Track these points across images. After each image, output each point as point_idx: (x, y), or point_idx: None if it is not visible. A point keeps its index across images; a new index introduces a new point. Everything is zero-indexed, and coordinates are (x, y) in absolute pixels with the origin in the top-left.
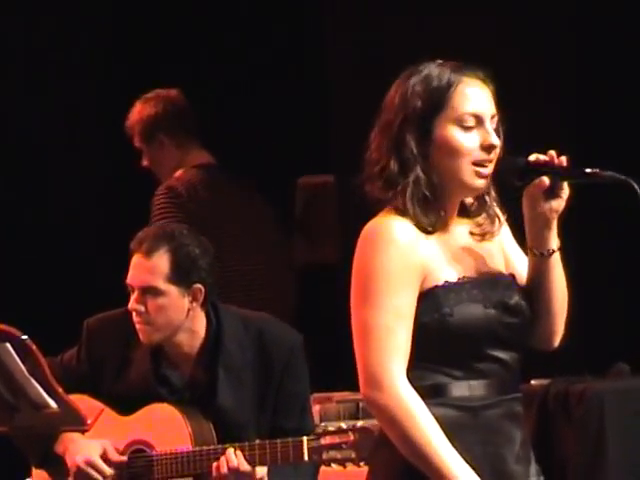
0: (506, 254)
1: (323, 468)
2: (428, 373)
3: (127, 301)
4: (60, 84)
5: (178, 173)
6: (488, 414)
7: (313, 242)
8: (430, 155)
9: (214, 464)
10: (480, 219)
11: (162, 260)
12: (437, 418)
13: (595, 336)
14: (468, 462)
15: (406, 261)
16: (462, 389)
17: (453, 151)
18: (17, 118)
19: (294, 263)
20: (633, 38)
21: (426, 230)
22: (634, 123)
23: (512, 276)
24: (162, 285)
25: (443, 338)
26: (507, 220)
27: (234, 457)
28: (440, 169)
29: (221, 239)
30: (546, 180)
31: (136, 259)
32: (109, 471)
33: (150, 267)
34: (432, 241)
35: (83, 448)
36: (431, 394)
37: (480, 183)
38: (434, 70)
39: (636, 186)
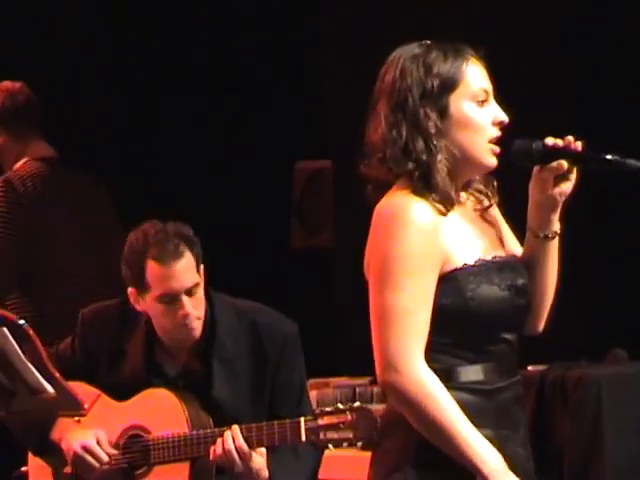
0: (502, 233)
1: (325, 456)
2: (442, 356)
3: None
4: None
5: (17, 166)
6: (500, 397)
7: (310, 227)
8: (448, 131)
9: (212, 446)
10: (478, 193)
11: (189, 255)
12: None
13: (592, 322)
14: None
15: (428, 244)
16: (476, 373)
17: (471, 126)
18: None
19: (291, 248)
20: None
21: (444, 209)
22: (633, 109)
23: (515, 256)
24: (198, 277)
25: (462, 321)
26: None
27: (230, 438)
28: (458, 146)
29: (56, 234)
30: (565, 164)
31: (169, 267)
32: (106, 457)
33: (186, 266)
34: (448, 221)
35: (79, 435)
36: (445, 378)
37: (493, 161)
38: (438, 50)
39: None
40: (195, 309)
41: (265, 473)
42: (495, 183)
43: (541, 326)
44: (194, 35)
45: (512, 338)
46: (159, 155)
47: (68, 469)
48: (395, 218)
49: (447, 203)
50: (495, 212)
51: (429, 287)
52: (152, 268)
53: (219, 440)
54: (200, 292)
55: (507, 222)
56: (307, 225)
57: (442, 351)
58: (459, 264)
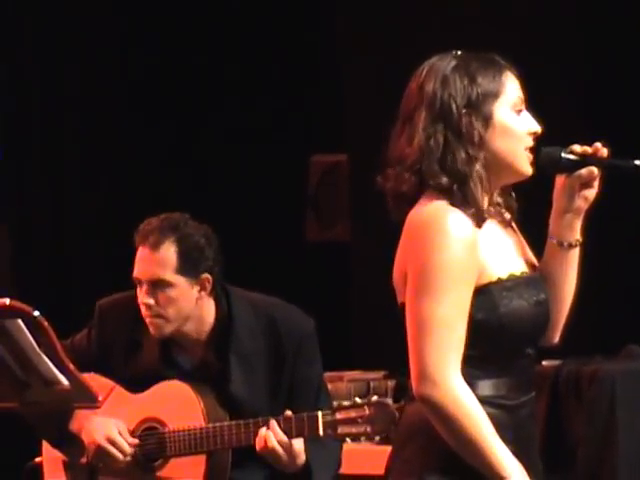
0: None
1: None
2: (466, 368)
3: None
4: None
5: None
6: (520, 413)
7: (325, 221)
8: (490, 139)
9: (258, 437)
10: (498, 206)
11: (169, 252)
12: None
13: (607, 317)
14: None
15: (467, 255)
16: (498, 387)
17: (512, 135)
18: None
19: (306, 241)
20: None
21: (477, 222)
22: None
23: (537, 270)
24: (171, 277)
25: (492, 335)
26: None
27: (272, 435)
28: (498, 154)
29: None
30: (595, 171)
31: (143, 252)
32: (129, 449)
33: (158, 260)
34: (482, 234)
35: (101, 426)
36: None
37: (529, 169)
38: (476, 60)
39: None
40: (159, 306)
41: (302, 457)
42: (513, 194)
43: (557, 337)
44: (210, 26)
45: (532, 352)
46: (175, 148)
47: (84, 460)
48: (434, 227)
49: (480, 216)
50: (514, 225)
51: (467, 299)
52: (137, 250)
53: (260, 437)
54: (173, 292)
55: (523, 233)
56: (322, 218)
57: (467, 363)
58: (493, 278)
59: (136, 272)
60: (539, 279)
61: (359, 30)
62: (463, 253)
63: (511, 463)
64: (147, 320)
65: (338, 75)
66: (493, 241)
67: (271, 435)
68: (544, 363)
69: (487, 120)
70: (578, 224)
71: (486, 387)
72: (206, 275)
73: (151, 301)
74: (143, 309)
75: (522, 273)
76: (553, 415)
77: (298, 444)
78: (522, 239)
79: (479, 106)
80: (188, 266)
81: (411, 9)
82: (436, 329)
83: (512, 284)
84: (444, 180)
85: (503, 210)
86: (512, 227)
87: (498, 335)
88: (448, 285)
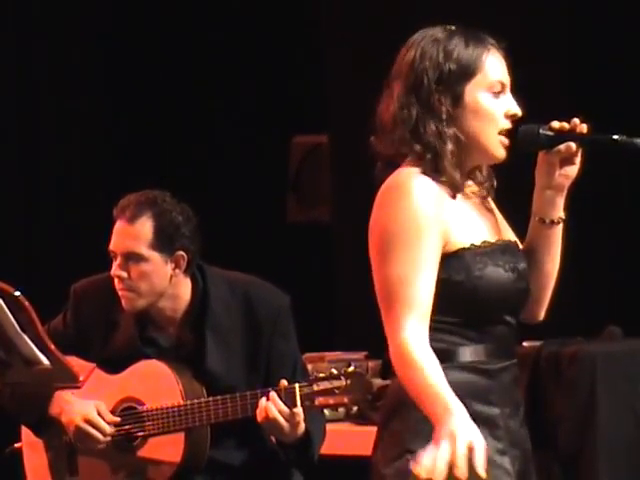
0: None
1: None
2: (445, 335)
3: (110, 266)
4: None
5: None
6: (502, 378)
7: (306, 202)
8: (460, 118)
9: (259, 408)
10: (480, 180)
11: (145, 226)
12: (457, 381)
13: (587, 298)
14: (487, 420)
15: (427, 217)
16: (478, 353)
17: (483, 115)
18: None
19: (287, 222)
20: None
21: (450, 192)
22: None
23: (514, 242)
24: (145, 251)
25: (467, 300)
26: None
27: (272, 405)
28: (468, 133)
29: None
30: (573, 146)
31: (119, 225)
32: (109, 429)
33: (133, 233)
34: (454, 202)
35: (80, 407)
36: (448, 357)
37: (502, 153)
38: (460, 36)
39: None
40: (131, 280)
41: (303, 426)
42: (493, 175)
43: (542, 314)
44: (193, 10)
45: (512, 321)
46: (155, 129)
47: (63, 442)
48: (397, 192)
49: (453, 187)
50: (491, 202)
51: (426, 258)
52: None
53: (261, 408)
54: (146, 267)
55: (509, 211)
56: (304, 199)
57: (445, 330)
58: (466, 244)
59: (111, 245)
60: (515, 249)
61: (341, 11)
62: (422, 214)
63: (451, 399)
64: (120, 293)
65: (320, 57)
66: (468, 212)
67: (272, 406)
68: (525, 344)
69: (457, 98)
70: (560, 201)
71: (466, 353)
72: (181, 253)
73: (124, 274)
74: (116, 282)
75: (497, 241)
76: (533, 395)
77: (299, 414)
78: (500, 217)
79: (450, 83)
80: (163, 242)
81: None
82: (393, 288)
83: (486, 250)
84: (415, 149)
85: (482, 187)
86: (491, 205)
87: (472, 300)
88: (405, 244)
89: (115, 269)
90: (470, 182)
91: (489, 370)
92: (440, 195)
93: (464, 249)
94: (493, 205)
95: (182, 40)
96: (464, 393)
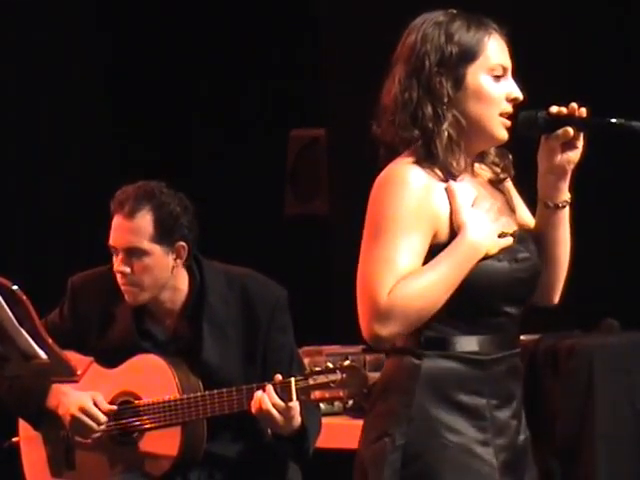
0: (516, 207)
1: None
2: (438, 324)
3: (109, 259)
4: None
5: None
6: (495, 369)
7: (303, 195)
8: (461, 101)
9: (253, 400)
10: (494, 165)
11: (145, 220)
12: (446, 370)
13: (585, 291)
14: (472, 411)
15: (417, 205)
16: (471, 343)
17: (485, 99)
18: None
19: (285, 215)
20: None
21: (444, 177)
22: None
23: (525, 228)
24: (147, 245)
25: (460, 291)
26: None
27: (267, 398)
28: (469, 116)
29: None
30: (570, 130)
31: (118, 220)
32: (103, 418)
33: (134, 228)
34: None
35: (76, 398)
36: (440, 346)
37: (504, 135)
38: (462, 20)
39: None
40: (134, 274)
41: (299, 419)
42: (510, 157)
43: (556, 297)
44: (189, 5)
45: (513, 311)
46: (153, 123)
47: (61, 435)
48: (389, 183)
49: (446, 171)
50: (509, 185)
51: (413, 244)
52: (113, 219)
53: (255, 399)
54: (148, 260)
55: (521, 196)
56: (301, 192)
57: (439, 320)
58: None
59: (112, 240)
60: (523, 236)
61: (339, 8)
62: (410, 202)
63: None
64: (123, 288)
65: (317, 50)
66: (470, 199)
67: (265, 398)
68: (522, 338)
69: (458, 81)
70: (564, 185)
71: (459, 343)
72: (182, 243)
73: (127, 269)
74: (119, 277)
75: (504, 228)
76: (531, 389)
77: (294, 407)
78: (516, 199)
79: (451, 66)
80: (164, 234)
81: None
82: (373, 266)
83: None
84: (415, 133)
85: (497, 170)
86: (504, 187)
87: (462, 290)
88: (392, 232)
89: (118, 265)
90: (484, 166)
91: (481, 361)
92: (434, 188)
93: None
94: (510, 190)
95: (182, 36)
96: (450, 382)
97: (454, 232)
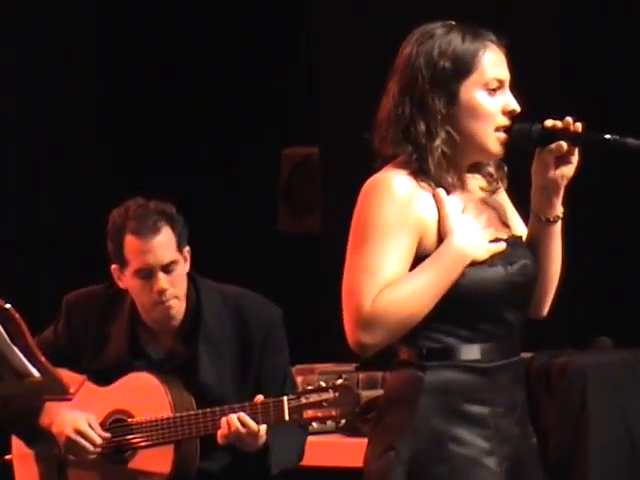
0: (508, 218)
1: (308, 442)
2: (438, 335)
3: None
4: None
5: None
6: (498, 376)
7: (297, 213)
8: (455, 117)
9: (223, 420)
10: (489, 176)
11: (168, 232)
12: (448, 381)
13: (578, 309)
14: (476, 420)
15: (400, 212)
16: (473, 352)
17: (479, 114)
18: None
19: (278, 232)
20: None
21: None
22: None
23: (519, 236)
24: (176, 255)
25: (451, 299)
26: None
27: (236, 420)
28: (463, 132)
29: None
30: (564, 145)
31: (146, 241)
32: (99, 440)
33: (163, 242)
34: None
35: (71, 418)
36: (442, 356)
37: (499, 149)
38: (458, 32)
39: None
40: (173, 287)
41: (264, 438)
42: (505, 168)
43: (545, 310)
44: (180, 23)
45: (512, 317)
46: (146, 141)
47: (54, 453)
48: (372, 191)
49: (438, 185)
50: (502, 197)
51: (396, 251)
52: (130, 242)
53: (233, 416)
54: (179, 270)
55: (516, 207)
56: (294, 210)
57: (438, 329)
58: None
59: (147, 261)
60: (517, 244)
61: (332, 25)
62: (394, 209)
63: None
64: (165, 305)
65: (310, 69)
66: (461, 209)
67: (235, 420)
68: None
69: (452, 97)
70: (557, 200)
71: (462, 352)
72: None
73: (167, 285)
74: (157, 297)
75: (490, 237)
76: None
77: (261, 430)
78: (509, 210)
79: (444, 82)
80: (180, 242)
81: (386, 6)
82: (356, 276)
83: None
84: (407, 149)
85: (491, 180)
86: (497, 198)
87: (457, 297)
88: (374, 239)
89: (159, 284)
90: (478, 176)
91: (484, 369)
92: (419, 196)
93: None
94: (503, 200)
95: (175, 54)
96: (454, 393)
97: (441, 239)
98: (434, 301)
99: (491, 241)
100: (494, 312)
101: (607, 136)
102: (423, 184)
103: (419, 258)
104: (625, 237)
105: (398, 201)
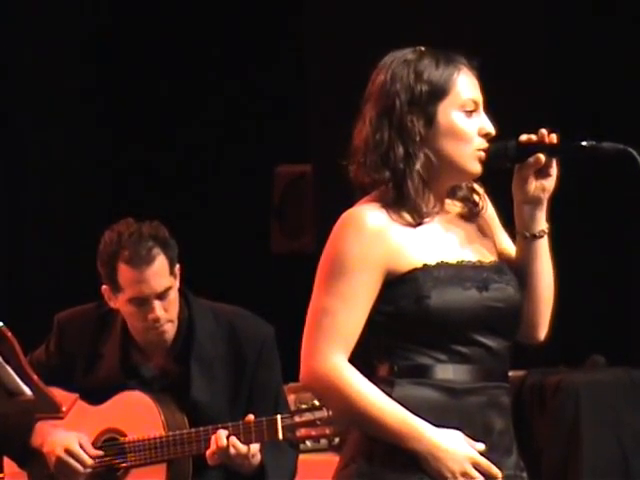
0: (495, 238)
1: (301, 460)
2: (412, 354)
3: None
4: None
5: None
6: (469, 399)
7: (290, 231)
8: (433, 139)
9: (213, 438)
10: (465, 200)
11: (162, 259)
12: (417, 398)
13: (571, 327)
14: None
15: (366, 247)
16: (446, 372)
17: (457, 135)
18: None
19: (271, 252)
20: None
21: (412, 220)
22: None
23: (500, 259)
24: (171, 281)
25: (422, 322)
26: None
27: (223, 438)
28: (442, 153)
29: None
30: (542, 157)
31: (141, 271)
32: (89, 460)
33: (158, 271)
34: (412, 229)
35: (62, 438)
36: (414, 374)
37: (478, 169)
38: (430, 57)
39: (636, 154)
40: (166, 312)
41: (258, 457)
42: (481, 190)
43: (541, 334)
44: (176, 38)
45: (490, 342)
46: (139, 160)
47: (45, 473)
48: (343, 226)
49: (417, 215)
50: (489, 215)
51: (357, 291)
52: (124, 271)
53: (212, 442)
54: (173, 294)
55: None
56: (287, 229)
57: (412, 350)
58: (418, 264)
59: (143, 290)
60: (499, 268)
61: (323, 41)
62: (359, 245)
63: (410, 426)
64: (159, 331)
65: (303, 87)
66: (434, 234)
67: (222, 435)
68: (508, 373)
69: (430, 119)
70: (540, 214)
71: (434, 371)
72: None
73: (162, 312)
74: (152, 323)
75: (465, 261)
76: (517, 425)
77: (253, 446)
78: (497, 232)
79: (422, 104)
80: (172, 264)
81: (378, 20)
82: (316, 318)
83: (440, 270)
84: (385, 175)
85: (469, 204)
86: (480, 221)
87: (426, 321)
88: (336, 276)
89: (154, 312)
90: (457, 202)
91: (453, 389)
92: (387, 228)
93: (416, 270)
94: (488, 223)
95: (169, 68)
96: (420, 410)
97: (414, 262)
98: (373, 434)
99: (474, 265)
100: (467, 335)
101: (583, 143)
102: (399, 216)
103: (391, 282)
104: (618, 255)
105: (366, 237)
